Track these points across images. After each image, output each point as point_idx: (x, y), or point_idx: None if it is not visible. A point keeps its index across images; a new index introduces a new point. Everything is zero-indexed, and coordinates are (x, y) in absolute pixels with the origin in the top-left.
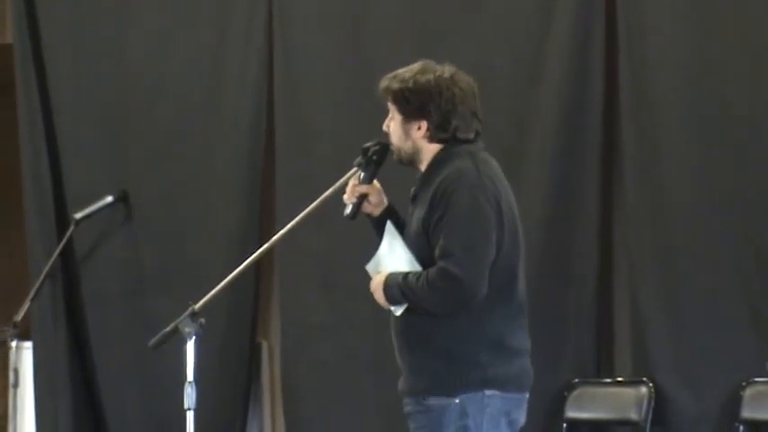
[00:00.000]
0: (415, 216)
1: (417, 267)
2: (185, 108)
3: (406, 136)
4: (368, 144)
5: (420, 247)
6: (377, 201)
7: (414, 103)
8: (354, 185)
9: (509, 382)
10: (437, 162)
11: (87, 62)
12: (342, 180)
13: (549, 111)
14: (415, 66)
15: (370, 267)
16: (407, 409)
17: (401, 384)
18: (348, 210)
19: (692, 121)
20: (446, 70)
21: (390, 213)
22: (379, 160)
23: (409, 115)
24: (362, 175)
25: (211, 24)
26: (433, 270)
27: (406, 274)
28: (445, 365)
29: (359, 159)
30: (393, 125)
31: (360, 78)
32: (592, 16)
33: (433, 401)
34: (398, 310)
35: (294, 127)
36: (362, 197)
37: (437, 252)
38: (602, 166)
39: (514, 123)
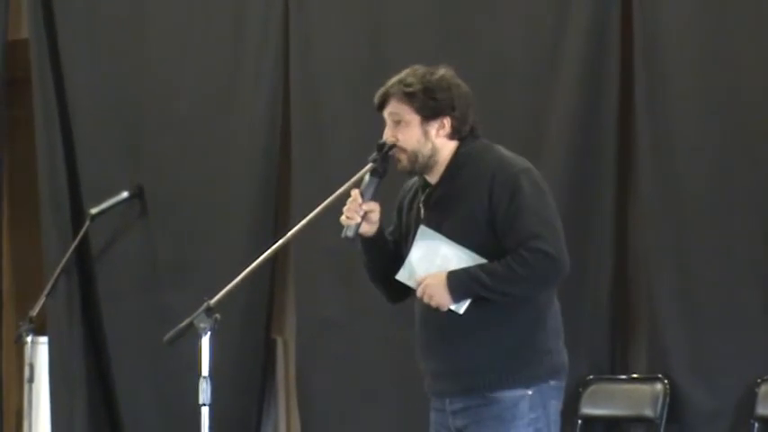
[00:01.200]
0: (456, 214)
1: (481, 260)
2: (201, 103)
3: (426, 138)
4: (381, 141)
5: (476, 241)
6: (376, 219)
7: (437, 99)
8: (358, 203)
9: (563, 372)
10: (462, 160)
11: (103, 57)
12: (357, 176)
13: (565, 107)
14: (413, 69)
15: (402, 276)
16: (457, 406)
17: (446, 384)
18: (350, 231)
19: (707, 117)
20: (447, 70)
21: (382, 232)
22: (384, 170)
23: (431, 115)
24: (365, 191)
25: (227, 19)
26: (521, 252)
27: (480, 265)
28: (518, 357)
29: (374, 155)
30: (406, 131)
31: (376, 72)
32: (608, 11)
33: (503, 394)
34: (462, 308)
35: (310, 123)
36: (364, 216)
37: (515, 237)
38: (617, 163)
39: (530, 119)
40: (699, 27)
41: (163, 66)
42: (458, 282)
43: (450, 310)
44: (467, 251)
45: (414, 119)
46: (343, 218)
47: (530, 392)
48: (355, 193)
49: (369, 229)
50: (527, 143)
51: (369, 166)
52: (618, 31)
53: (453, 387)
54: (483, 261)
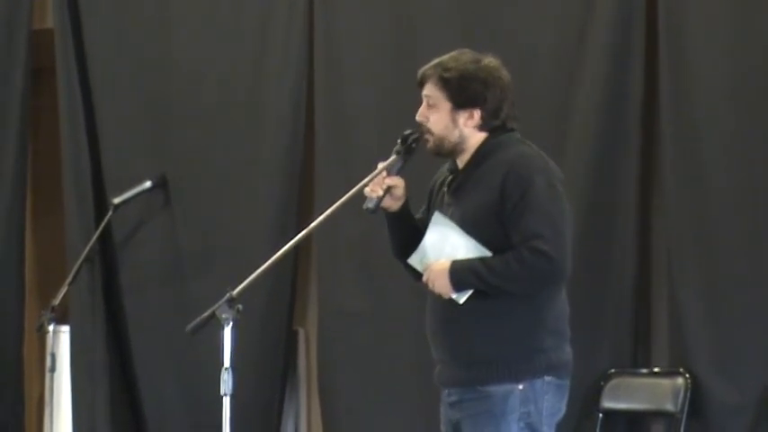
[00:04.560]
0: (470, 203)
1: (486, 253)
2: (225, 93)
3: (454, 125)
4: (407, 132)
5: (484, 232)
6: (400, 194)
7: (470, 90)
8: (382, 177)
9: (563, 368)
10: (487, 149)
11: (128, 47)
12: (381, 167)
13: (589, 101)
14: (459, 54)
15: (414, 260)
16: (453, 398)
17: (446, 375)
18: (372, 203)
19: (733, 112)
20: (492, 59)
21: (407, 209)
22: (412, 151)
23: (461, 103)
24: (391, 167)
25: (254, 9)
26: (522, 250)
27: (481, 258)
28: (512, 352)
29: (398, 147)
30: (437, 115)
31: (401, 63)
32: (633, 2)
33: (494, 388)
34: (462, 298)
35: (334, 112)
36: (388, 190)
37: (519, 234)
38: (641, 158)
39: (554, 113)
40: (725, 18)
41: (188, 56)
42: (458, 272)
43: (451, 299)
44: (474, 242)
45: (445, 105)
46: (366, 189)
47: (520, 387)
48: (380, 166)
49: (392, 204)
50: (551, 137)
51: (393, 158)
52: (643, 24)
53: (451, 378)
54: (488, 253)
